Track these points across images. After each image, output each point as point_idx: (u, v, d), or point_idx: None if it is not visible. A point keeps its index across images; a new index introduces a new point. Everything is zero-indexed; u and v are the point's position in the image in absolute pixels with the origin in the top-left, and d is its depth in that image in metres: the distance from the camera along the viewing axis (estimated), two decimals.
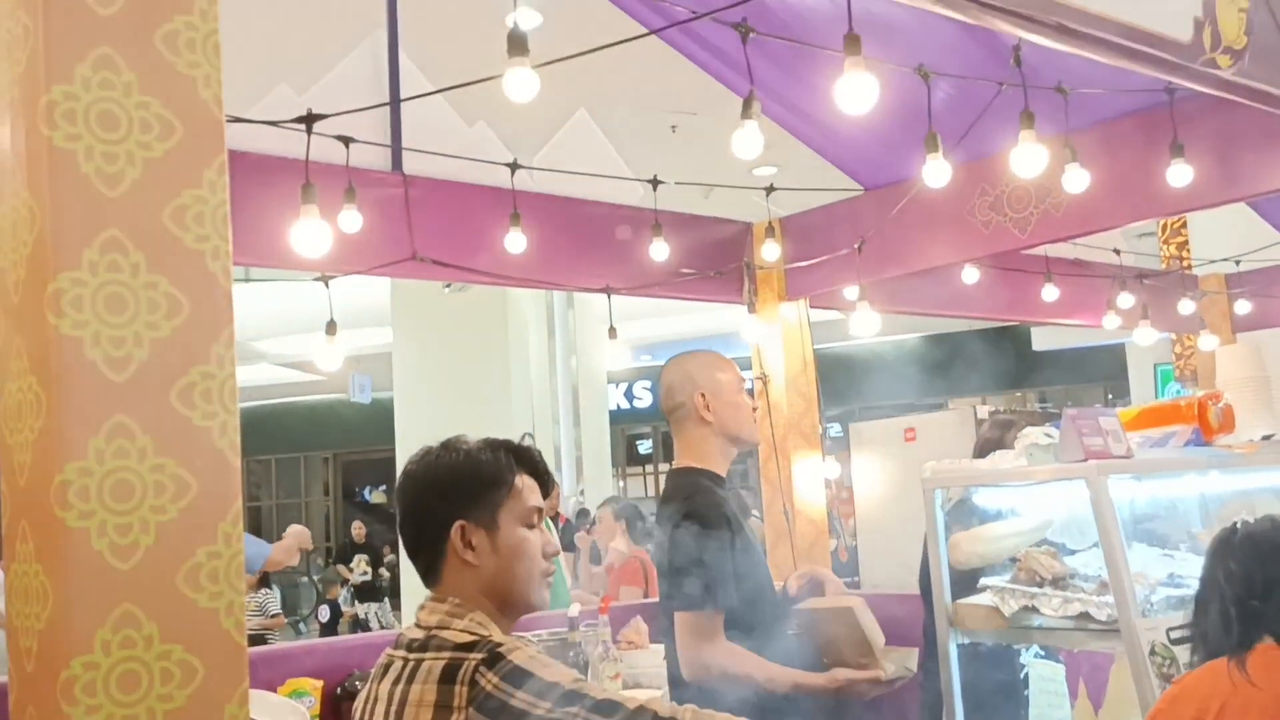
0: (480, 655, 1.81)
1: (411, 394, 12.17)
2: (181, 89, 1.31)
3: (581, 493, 12.80)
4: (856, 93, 2.60)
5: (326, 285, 4.12)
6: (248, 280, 13.87)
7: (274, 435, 20.80)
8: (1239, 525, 2.32)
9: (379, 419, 13.57)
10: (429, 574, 2.01)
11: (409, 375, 12.27)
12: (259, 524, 19.87)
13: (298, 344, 15.10)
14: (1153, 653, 2.68)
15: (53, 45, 1.25)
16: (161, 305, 1.30)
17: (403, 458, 12.04)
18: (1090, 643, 2.99)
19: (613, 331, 5.10)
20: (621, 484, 17.58)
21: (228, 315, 1.35)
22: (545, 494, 2.09)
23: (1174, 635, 2.73)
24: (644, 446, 20.11)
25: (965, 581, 3.18)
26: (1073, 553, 3.14)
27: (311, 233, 3.20)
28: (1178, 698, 2.25)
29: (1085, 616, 2.87)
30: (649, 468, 19.64)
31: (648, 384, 19.63)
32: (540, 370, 13.58)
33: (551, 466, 13.37)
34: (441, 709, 1.77)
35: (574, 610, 4.58)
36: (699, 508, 2.81)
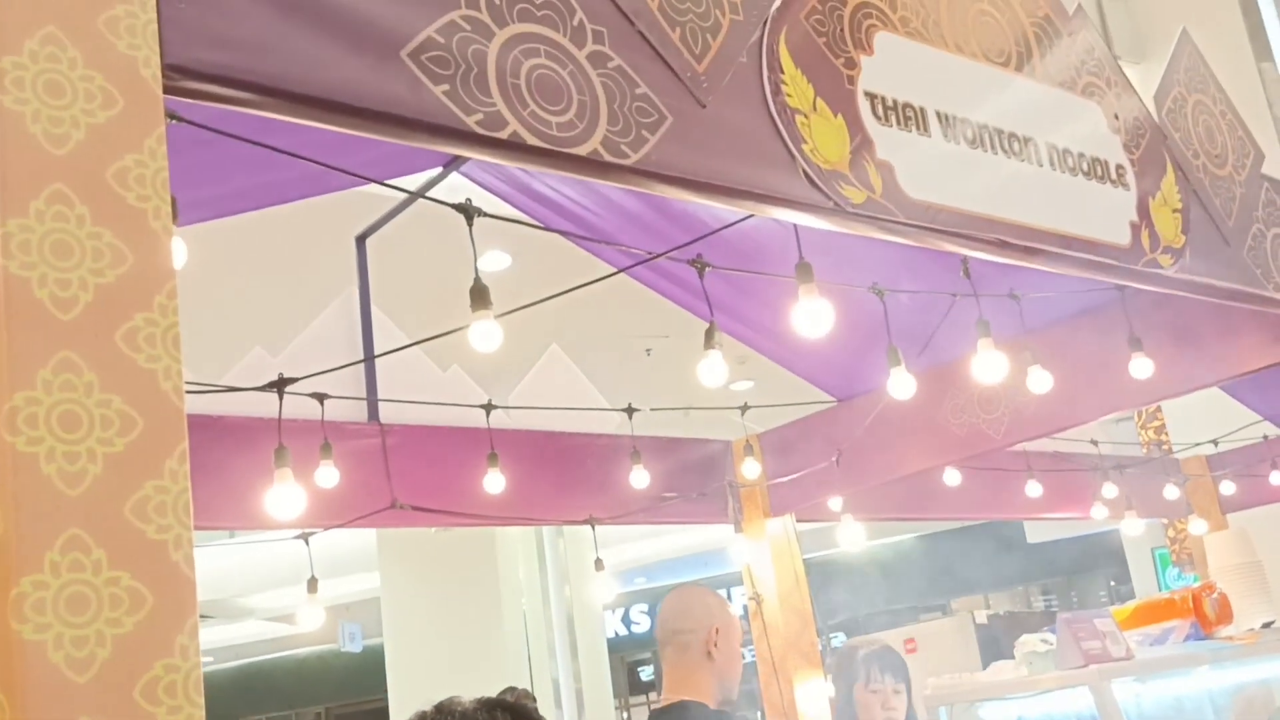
0: None
1: (402, 639, 11.91)
2: (140, 381, 1.38)
3: None
4: (813, 317, 2.66)
5: (306, 542, 4.08)
6: (232, 539, 13.77)
7: (264, 693, 20.20)
8: None
9: (371, 667, 13.23)
10: None
11: (399, 620, 12.03)
12: None
13: (284, 597, 14.87)
14: None
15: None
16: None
17: (395, 707, 11.77)
18: None
19: (599, 563, 5.05)
20: (625, 715, 17.03)
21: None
22: None
23: None
24: (645, 673, 19.57)
25: None
26: None
27: (286, 496, 3.21)
28: None
29: None
30: (653, 695, 19.08)
31: (644, 607, 19.28)
32: (533, 602, 13.34)
33: (551, 702, 13.02)
34: None
35: None
36: None
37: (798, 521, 5.61)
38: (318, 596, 4.27)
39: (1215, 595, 3.08)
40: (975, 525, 14.91)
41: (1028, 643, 2.96)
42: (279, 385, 3.57)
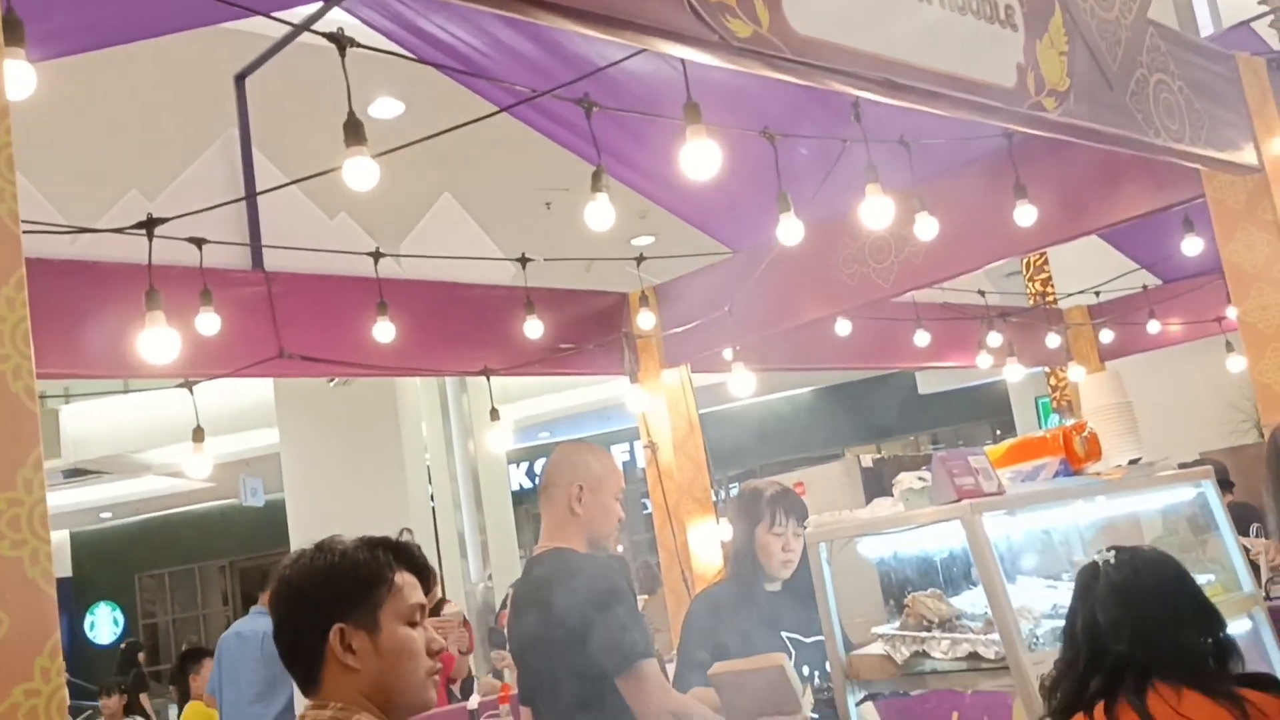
0: None
1: (304, 493, 11.88)
2: None
3: (489, 577, 12.59)
4: (700, 158, 2.64)
5: (190, 391, 4.00)
6: (126, 391, 13.51)
7: (166, 548, 20.14)
8: (1106, 562, 2.28)
9: (274, 522, 13.23)
10: (308, 681, 1.92)
11: (299, 475, 11.99)
12: (156, 640, 19.16)
13: (181, 452, 14.70)
14: (1042, 687, 2.69)
15: None
16: None
17: None
18: (983, 682, 3.00)
19: (494, 414, 5.06)
20: None
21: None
22: (426, 589, 2.02)
23: None
24: None
25: None
26: (958, 593, 3.17)
27: (159, 340, 3.12)
28: None
29: (975, 656, 2.88)
30: None
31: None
32: (437, 456, 13.39)
33: (456, 553, 13.13)
34: None
35: (473, 703, 4.48)
36: (603, 574, 2.88)
37: (693, 373, 5.68)
38: (215, 449, 4.22)
39: (1085, 434, 3.19)
40: (868, 378, 15.27)
41: (905, 480, 3.04)
42: (148, 226, 3.44)
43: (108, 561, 20.42)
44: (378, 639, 1.89)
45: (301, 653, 1.91)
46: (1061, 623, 2.94)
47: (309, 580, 1.93)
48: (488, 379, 5.00)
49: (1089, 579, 2.27)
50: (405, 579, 1.95)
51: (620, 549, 3.20)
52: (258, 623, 5.48)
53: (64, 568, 20.46)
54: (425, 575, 2.02)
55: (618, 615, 2.78)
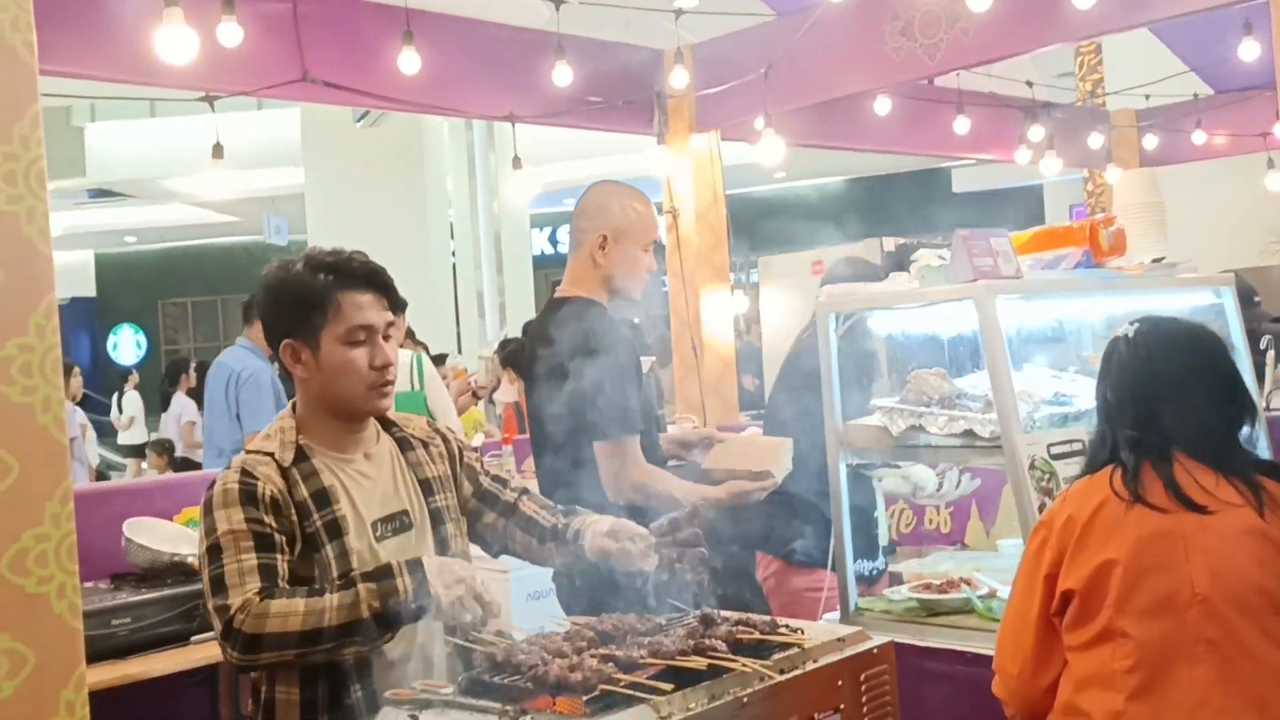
0: (220, 472, 2.03)
1: (326, 236, 11.92)
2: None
3: (505, 336, 12.74)
4: None
5: (212, 107, 3.94)
6: (152, 115, 13.39)
7: (190, 278, 20.42)
8: (1125, 335, 2.21)
9: None
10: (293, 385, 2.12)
11: (323, 216, 12.01)
12: (179, 369, 19.65)
13: (207, 181, 14.68)
14: (1032, 467, 2.73)
15: None
16: None
17: None
18: (974, 459, 3.04)
19: (517, 161, 4.99)
20: None
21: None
22: (395, 308, 2.11)
23: (1054, 450, 2.78)
24: None
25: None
26: (961, 375, 3.17)
27: (176, 38, 3.03)
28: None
29: (970, 434, 2.90)
30: None
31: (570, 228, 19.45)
32: (461, 212, 13.34)
33: (474, 312, 13.25)
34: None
35: (478, 440, 4.60)
36: (604, 334, 2.73)
37: (722, 141, 5.55)
38: (240, 182, 4.18)
39: (1113, 228, 3.12)
40: (903, 172, 15.00)
41: (924, 257, 2.99)
42: None
43: (131, 285, 20.73)
44: (319, 356, 2.05)
45: (278, 361, 2.11)
46: (1062, 409, 2.97)
47: (264, 300, 2.13)
48: (512, 125, 4.90)
49: (1108, 356, 2.22)
50: (350, 299, 2.05)
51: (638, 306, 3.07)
52: (237, 355, 5.63)
53: (88, 287, 20.81)
54: (383, 293, 2.09)
55: (610, 381, 2.68)
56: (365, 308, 2.06)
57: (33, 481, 1.22)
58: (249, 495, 1.96)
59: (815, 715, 1.86)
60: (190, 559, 3.09)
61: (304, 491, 2.00)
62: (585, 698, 1.64)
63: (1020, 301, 2.97)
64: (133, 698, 2.87)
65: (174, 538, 3.24)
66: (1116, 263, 3.15)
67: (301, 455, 2.05)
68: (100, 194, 15.83)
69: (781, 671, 1.81)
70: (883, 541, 3.44)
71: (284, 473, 2.01)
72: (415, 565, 1.88)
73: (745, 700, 1.75)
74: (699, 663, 1.74)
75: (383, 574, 1.87)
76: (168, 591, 2.89)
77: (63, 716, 1.22)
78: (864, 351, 3.41)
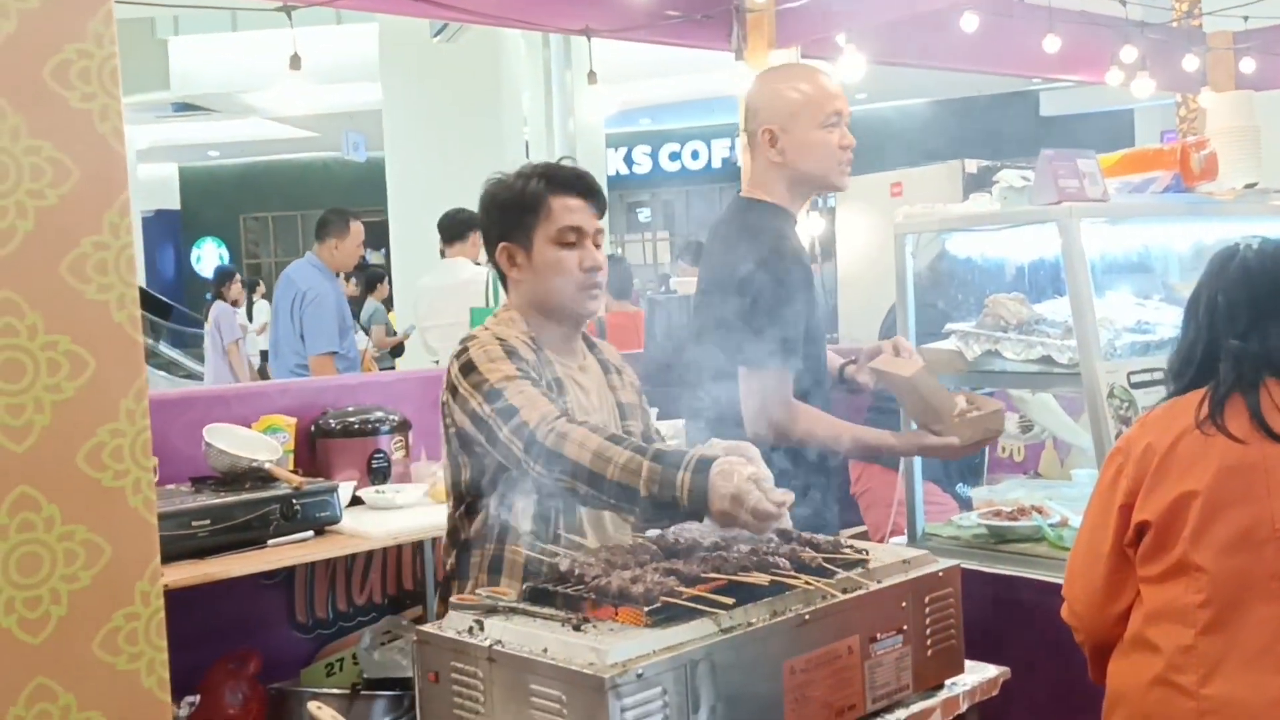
0: (459, 347, 2.12)
1: (403, 153, 11.95)
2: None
3: None
4: None
5: (289, 16, 3.93)
6: (234, 29, 13.46)
7: (269, 193, 20.66)
8: (1250, 245, 2.10)
9: (373, 178, 13.39)
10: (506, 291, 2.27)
11: (400, 133, 12.02)
12: (257, 279, 19.98)
13: (287, 96, 14.75)
14: (1111, 395, 2.67)
15: None
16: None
17: (395, 219, 12.08)
18: (1051, 385, 2.99)
19: (592, 76, 4.94)
20: (619, 250, 17.52)
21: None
22: (601, 211, 2.22)
23: (1134, 379, 2.72)
24: (643, 215, 19.91)
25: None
26: (1041, 301, 3.10)
27: None
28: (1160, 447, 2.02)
29: (1048, 360, 2.85)
30: (647, 235, 19.52)
31: (648, 149, 19.29)
32: (536, 131, 13.28)
33: None
34: (446, 390, 2.13)
35: None
36: (776, 251, 2.52)
37: (803, 57, 5.43)
38: (319, 98, 4.19)
39: (1205, 152, 3.01)
40: (989, 95, 14.60)
41: (1007, 178, 2.91)
42: None
43: (214, 199, 21.04)
44: (532, 256, 2.17)
45: (494, 267, 2.26)
46: (1144, 338, 2.90)
47: (482, 208, 2.26)
48: (588, 39, 4.84)
49: (1225, 259, 2.12)
50: (561, 203, 2.17)
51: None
52: (301, 269, 5.70)
53: (172, 200, 21.17)
54: (590, 198, 2.20)
55: (764, 304, 2.46)
56: (575, 210, 2.18)
57: (108, 378, 1.24)
58: (511, 351, 2.08)
59: (878, 636, 1.85)
60: (267, 464, 3.15)
61: (545, 375, 2.11)
62: (647, 609, 1.65)
63: (1106, 225, 2.90)
64: (212, 598, 2.96)
65: (252, 444, 3.30)
66: (1207, 188, 3.05)
67: (536, 344, 2.17)
68: (184, 108, 16.02)
69: (845, 591, 1.81)
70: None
71: (532, 351, 2.13)
72: (704, 464, 1.82)
73: (807, 617, 1.75)
74: (761, 579, 1.74)
75: (672, 461, 1.84)
76: (246, 496, 2.95)
77: (138, 606, 1.26)
78: (940, 274, 3.36)
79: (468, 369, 2.06)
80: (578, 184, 2.20)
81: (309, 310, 5.53)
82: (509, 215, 2.19)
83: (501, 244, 2.20)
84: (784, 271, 2.51)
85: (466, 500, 2.16)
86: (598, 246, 2.20)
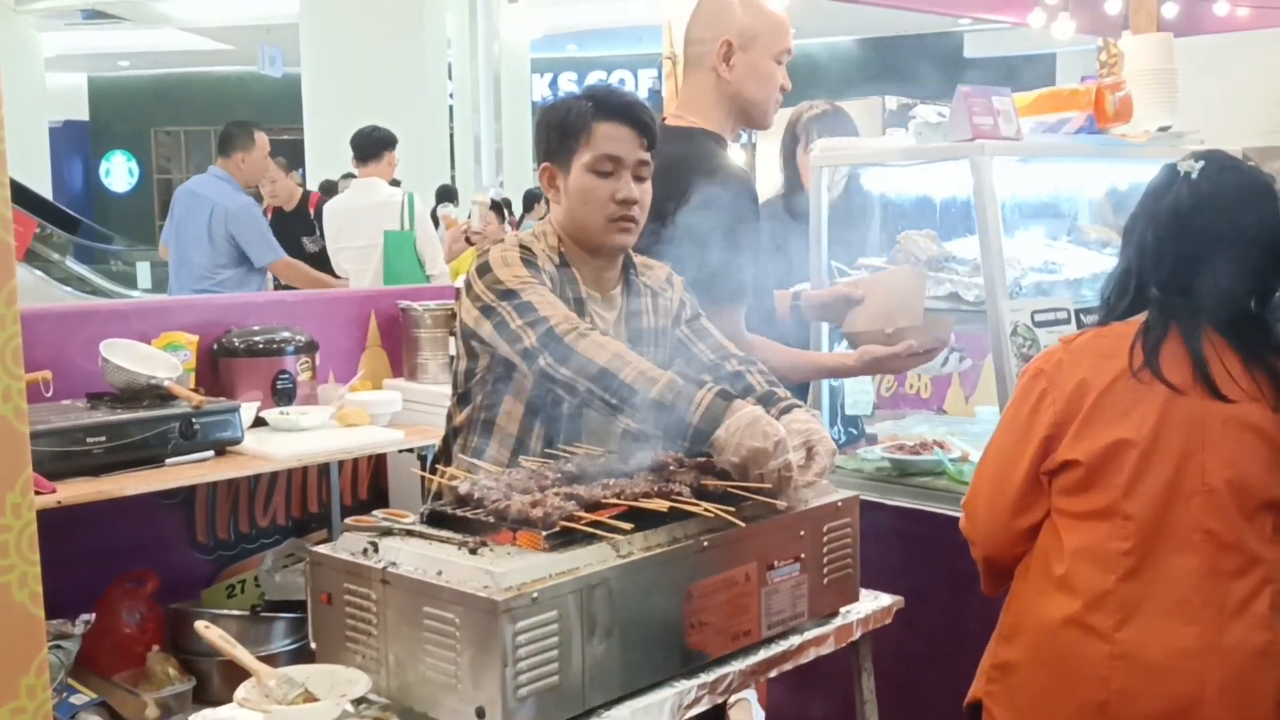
0: (481, 252, 2.13)
1: (321, 71, 11.64)
2: None
3: (501, 184, 12.57)
4: None
5: None
6: None
7: (182, 107, 20.05)
8: (1187, 174, 1.98)
9: (290, 95, 13.04)
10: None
11: (317, 49, 11.70)
12: (169, 196, 19.51)
13: (205, 7, 14.27)
14: (1014, 333, 2.70)
15: None
16: None
17: (312, 137, 11.79)
18: (958, 322, 3.02)
19: None
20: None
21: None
22: (649, 143, 2.13)
23: (1039, 318, 2.75)
24: None
25: None
26: (952, 239, 3.12)
27: None
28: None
29: (955, 297, 2.88)
30: None
31: (573, 76, 19.06)
32: (460, 53, 13.01)
33: (470, 158, 13.05)
34: (466, 289, 2.10)
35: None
36: (728, 182, 2.40)
37: None
38: (235, 8, 4.01)
39: (1120, 94, 3.03)
40: (914, 35, 14.63)
41: (923, 113, 2.91)
42: None
43: (124, 111, 20.36)
44: (568, 181, 2.13)
45: (541, 184, 2.21)
46: (1050, 277, 2.93)
47: (536, 126, 2.20)
48: None
49: (1160, 191, 2.02)
50: (604, 130, 2.10)
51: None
52: (210, 184, 5.55)
53: (81, 111, 20.44)
54: (637, 127, 2.11)
55: (732, 242, 2.36)
56: (617, 139, 2.10)
57: None
58: (529, 263, 2.07)
59: (775, 563, 1.87)
60: (166, 382, 3.07)
61: (566, 293, 2.10)
62: (545, 533, 1.64)
63: (1018, 164, 2.91)
64: (110, 517, 2.89)
65: (152, 360, 3.20)
66: (1121, 130, 3.08)
67: (564, 261, 2.14)
68: (94, 15, 15.43)
69: (745, 520, 1.82)
70: (864, 411, 3.41)
71: (555, 265, 2.13)
72: (722, 397, 1.85)
73: (705, 544, 1.76)
74: (661, 505, 1.74)
75: (694, 381, 1.89)
76: (143, 413, 2.87)
77: (9, 518, 1.22)
78: (853, 209, 3.36)
79: (483, 269, 2.06)
80: (626, 111, 2.11)
81: (245, 223, 5.42)
82: (553, 135, 2.13)
83: (544, 163, 2.17)
84: (737, 202, 2.42)
85: (459, 392, 2.20)
86: (639, 180, 2.11)
